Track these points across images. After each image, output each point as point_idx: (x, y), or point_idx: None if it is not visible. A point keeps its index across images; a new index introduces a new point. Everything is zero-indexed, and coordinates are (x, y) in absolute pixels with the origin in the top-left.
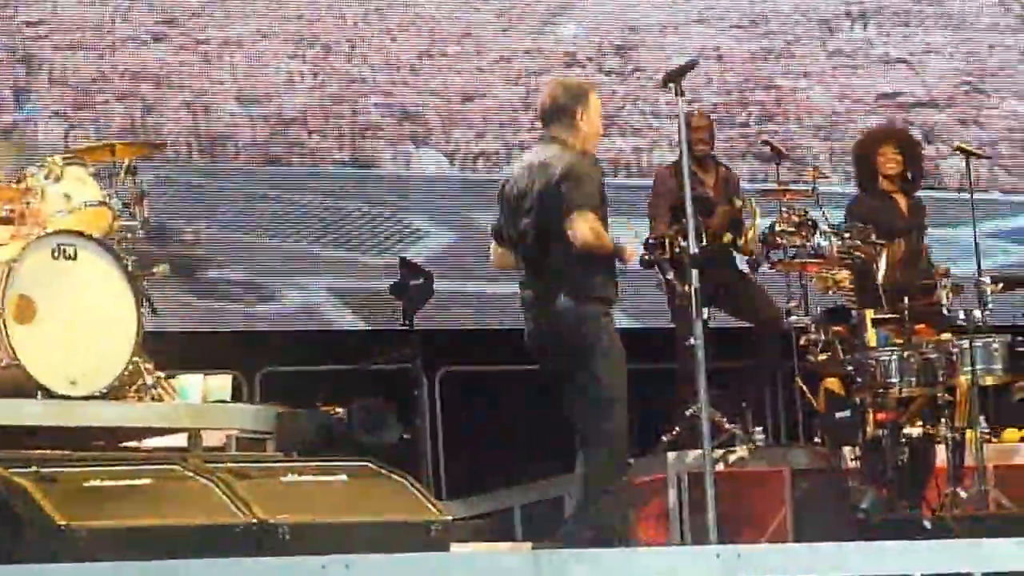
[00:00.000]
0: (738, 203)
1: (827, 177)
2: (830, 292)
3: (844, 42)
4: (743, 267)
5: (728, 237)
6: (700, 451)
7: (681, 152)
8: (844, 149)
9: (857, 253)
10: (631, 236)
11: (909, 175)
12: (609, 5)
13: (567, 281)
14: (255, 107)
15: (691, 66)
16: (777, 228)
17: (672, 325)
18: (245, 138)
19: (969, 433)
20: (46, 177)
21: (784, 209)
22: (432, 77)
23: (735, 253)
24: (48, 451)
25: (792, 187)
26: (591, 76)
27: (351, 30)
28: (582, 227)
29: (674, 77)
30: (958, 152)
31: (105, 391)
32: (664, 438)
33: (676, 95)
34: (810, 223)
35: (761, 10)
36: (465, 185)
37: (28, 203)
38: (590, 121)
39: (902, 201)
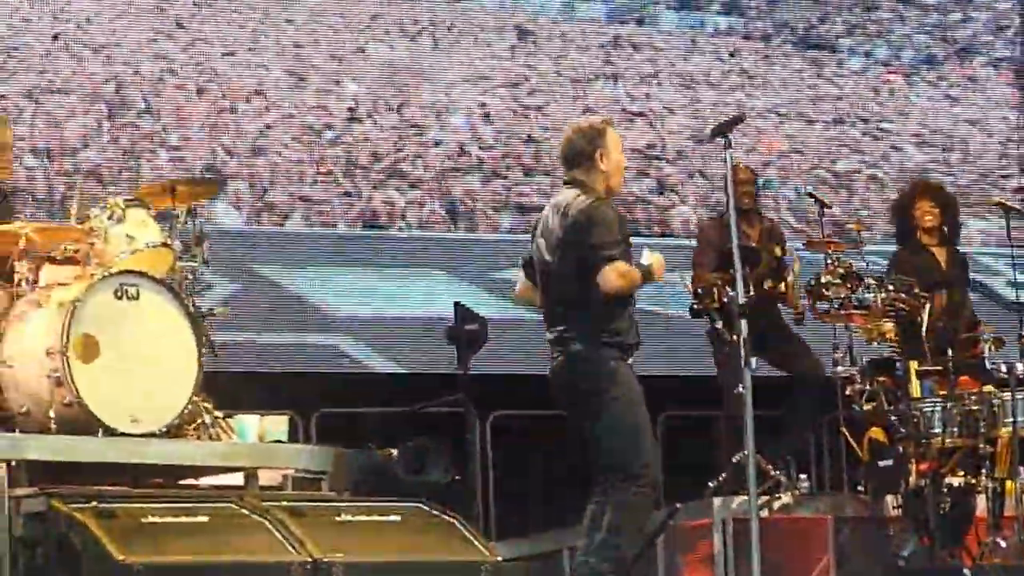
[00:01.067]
0: (778, 251)
1: (870, 230)
2: (875, 343)
3: (596, 99)
4: (788, 320)
5: (769, 283)
6: (746, 497)
7: (728, 202)
8: None
9: (901, 305)
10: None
11: (946, 228)
12: (387, 66)
13: (582, 325)
14: (51, 160)
15: (739, 120)
16: (823, 280)
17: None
18: (40, 191)
19: (1009, 483)
20: (109, 218)
21: (829, 261)
22: (223, 132)
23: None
24: (108, 487)
25: (837, 239)
26: (368, 132)
27: (146, 85)
28: (611, 278)
29: (722, 130)
30: (997, 207)
31: (165, 429)
32: (710, 484)
33: (726, 148)
34: (855, 275)
35: (523, 71)
36: (250, 236)
37: (92, 244)
38: (610, 159)
39: (941, 254)
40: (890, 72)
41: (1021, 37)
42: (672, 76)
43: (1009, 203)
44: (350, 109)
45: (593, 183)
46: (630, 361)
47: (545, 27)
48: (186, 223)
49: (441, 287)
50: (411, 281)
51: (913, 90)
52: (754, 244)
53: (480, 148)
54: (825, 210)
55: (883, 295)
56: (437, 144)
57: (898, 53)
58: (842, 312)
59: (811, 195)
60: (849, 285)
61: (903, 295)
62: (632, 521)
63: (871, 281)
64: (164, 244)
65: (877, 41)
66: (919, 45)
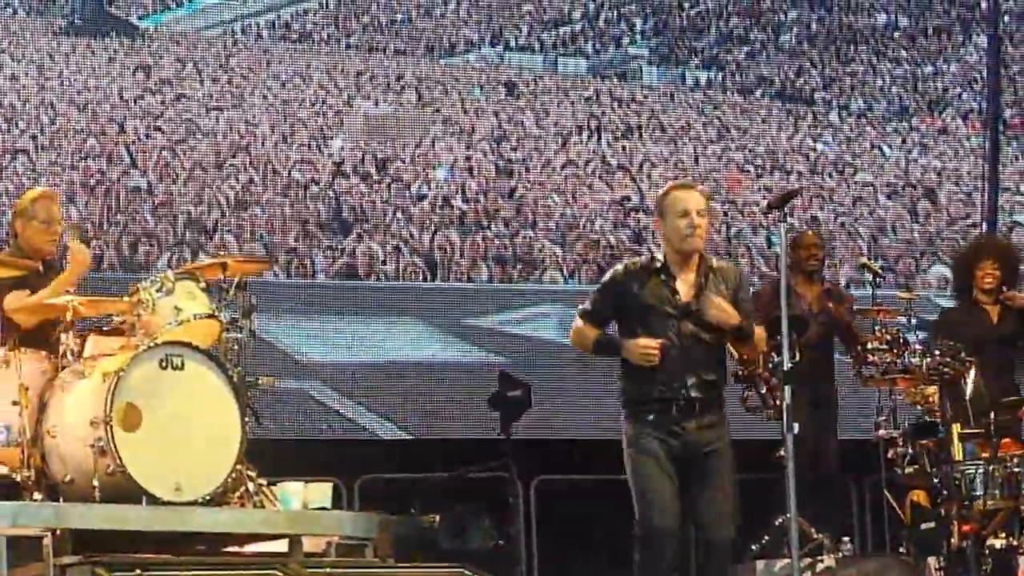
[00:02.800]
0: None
1: (916, 296)
2: (919, 407)
3: (577, 154)
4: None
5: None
6: (789, 560)
7: (781, 271)
8: (575, 253)
9: (945, 370)
10: None
11: (1005, 288)
12: (373, 121)
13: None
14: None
15: (794, 194)
16: (869, 346)
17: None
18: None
19: None
20: (158, 291)
21: (877, 328)
22: (209, 187)
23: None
24: (152, 555)
25: (887, 307)
26: (354, 187)
27: (133, 144)
28: (571, 339)
29: (778, 204)
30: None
31: (208, 497)
32: (753, 547)
33: (780, 220)
34: (902, 341)
35: (507, 127)
36: None
37: (139, 315)
38: (667, 225)
39: (993, 312)
40: (864, 124)
41: (989, 90)
42: (653, 129)
43: (872, 266)
44: (336, 164)
45: (663, 247)
46: (650, 417)
47: (529, 82)
48: (236, 296)
49: (413, 333)
50: (383, 328)
51: (886, 141)
52: (806, 308)
53: (463, 201)
54: (879, 280)
55: (928, 360)
56: (421, 198)
57: (872, 105)
58: (887, 377)
59: (865, 266)
60: (895, 351)
61: (948, 359)
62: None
63: (918, 348)
64: (211, 315)
65: (852, 94)
66: (892, 97)
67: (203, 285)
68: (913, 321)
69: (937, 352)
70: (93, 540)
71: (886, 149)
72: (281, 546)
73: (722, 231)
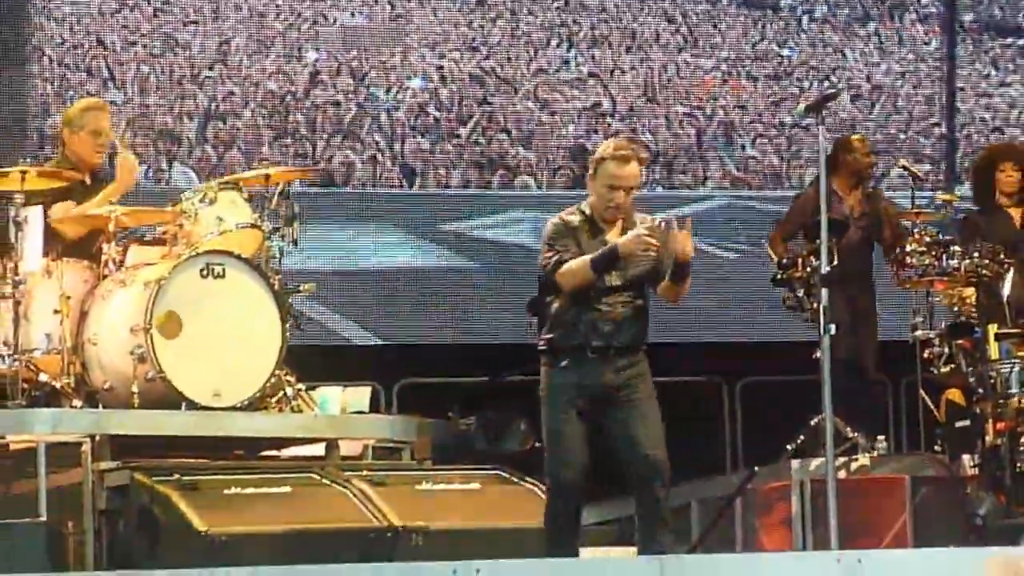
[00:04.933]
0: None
1: (956, 200)
2: (956, 308)
3: (547, 62)
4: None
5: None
6: (823, 459)
7: (819, 176)
8: (550, 159)
9: (984, 271)
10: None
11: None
12: (348, 31)
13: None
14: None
15: (832, 96)
16: (908, 248)
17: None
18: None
19: None
20: (201, 200)
21: (916, 231)
22: (186, 98)
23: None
24: (191, 460)
25: (924, 210)
26: (330, 95)
27: (111, 55)
28: (561, 282)
29: (815, 107)
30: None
31: (247, 402)
32: (788, 447)
33: (817, 124)
34: (941, 244)
35: (479, 34)
36: None
37: (181, 225)
38: (595, 188)
39: (1016, 214)
40: (828, 29)
41: None
42: (620, 38)
43: (912, 167)
44: (311, 75)
45: (590, 201)
46: (564, 363)
47: None
48: (279, 204)
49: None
50: (362, 235)
51: (849, 45)
52: (847, 213)
53: (436, 109)
54: (919, 182)
55: (967, 262)
56: (396, 108)
57: (835, 11)
58: (925, 279)
59: (904, 167)
60: (934, 253)
61: (987, 260)
62: (546, 524)
63: (956, 249)
64: (253, 224)
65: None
66: (854, 3)
67: (246, 195)
68: (951, 225)
69: (976, 254)
70: (132, 446)
71: (848, 54)
72: (318, 450)
73: (692, 136)
